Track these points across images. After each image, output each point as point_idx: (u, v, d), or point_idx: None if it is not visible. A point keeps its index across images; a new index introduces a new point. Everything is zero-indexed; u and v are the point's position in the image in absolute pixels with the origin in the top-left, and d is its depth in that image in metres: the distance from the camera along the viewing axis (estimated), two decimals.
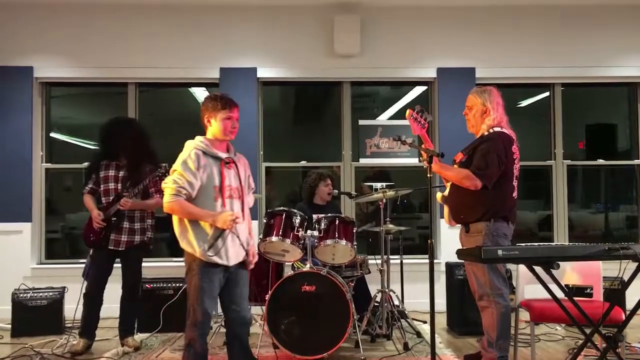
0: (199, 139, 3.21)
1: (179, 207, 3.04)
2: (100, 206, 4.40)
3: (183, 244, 3.12)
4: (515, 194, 3.67)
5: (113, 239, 4.35)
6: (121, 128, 4.43)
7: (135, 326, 4.64)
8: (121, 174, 4.39)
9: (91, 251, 4.43)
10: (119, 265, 4.48)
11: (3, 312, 5.24)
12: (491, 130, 3.66)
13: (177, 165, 3.08)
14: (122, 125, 4.48)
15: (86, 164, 4.84)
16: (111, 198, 4.37)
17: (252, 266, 3.32)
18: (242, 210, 3.21)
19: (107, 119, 4.59)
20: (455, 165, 3.77)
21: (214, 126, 3.21)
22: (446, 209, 3.91)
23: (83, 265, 4.51)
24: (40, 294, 5.08)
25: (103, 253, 4.37)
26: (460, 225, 3.79)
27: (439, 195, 3.97)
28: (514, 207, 3.67)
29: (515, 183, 3.66)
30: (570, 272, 3.79)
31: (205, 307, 3.09)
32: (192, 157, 3.07)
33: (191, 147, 3.15)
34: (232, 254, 3.15)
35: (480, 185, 3.52)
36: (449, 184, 3.84)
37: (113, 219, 4.34)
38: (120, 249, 4.37)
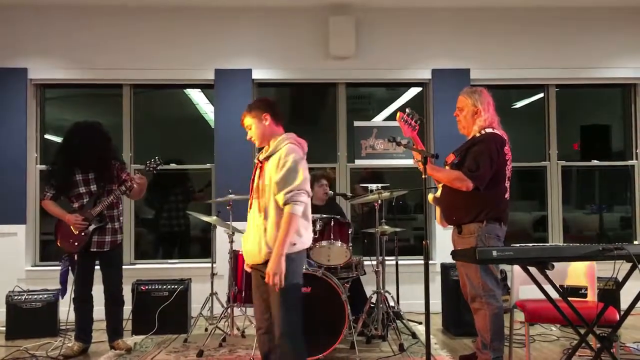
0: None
1: None
2: (74, 210, 4.36)
3: None
4: (507, 195, 3.67)
5: (96, 240, 4.33)
6: (88, 136, 4.33)
7: (123, 327, 4.61)
8: (90, 176, 4.36)
9: (67, 256, 4.40)
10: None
11: None
12: (483, 132, 3.66)
13: None
14: (88, 132, 4.36)
15: (46, 167, 4.75)
16: (85, 201, 4.35)
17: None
18: (259, 208, 3.04)
19: (71, 124, 4.47)
20: (447, 167, 3.77)
21: None
22: (438, 210, 3.92)
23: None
24: (35, 296, 5.06)
25: (86, 256, 4.34)
26: (452, 226, 3.79)
27: (430, 196, 3.96)
28: (507, 208, 3.68)
29: (507, 184, 3.66)
30: (569, 273, 3.80)
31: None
32: None
33: None
34: (247, 257, 3.17)
35: (471, 187, 3.52)
36: (440, 185, 3.84)
37: (97, 219, 4.31)
38: (105, 249, 4.36)
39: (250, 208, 3.11)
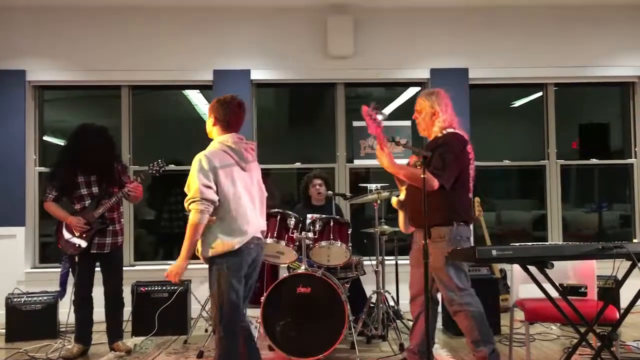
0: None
1: None
2: (75, 211, 4.36)
3: None
4: (471, 195, 3.68)
5: (97, 242, 4.33)
6: (93, 139, 4.34)
7: (123, 329, 4.61)
8: (92, 178, 4.37)
9: (67, 258, 4.41)
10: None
11: None
12: (445, 132, 3.64)
13: None
14: (93, 136, 4.37)
15: (48, 168, 4.75)
16: (86, 203, 4.35)
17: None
18: None
19: (76, 127, 4.47)
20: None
21: None
22: (401, 215, 3.83)
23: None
24: (35, 298, 5.05)
25: (86, 258, 4.35)
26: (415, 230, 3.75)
27: (394, 200, 3.88)
28: (470, 208, 3.69)
29: (471, 184, 3.65)
30: (569, 272, 3.79)
31: None
32: None
33: None
34: None
35: (437, 186, 3.46)
36: (404, 188, 3.76)
37: (99, 222, 4.32)
38: (105, 251, 4.36)
39: None
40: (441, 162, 3.50)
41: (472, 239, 3.67)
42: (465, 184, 3.60)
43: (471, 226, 3.65)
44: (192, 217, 3.08)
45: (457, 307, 3.53)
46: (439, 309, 5.16)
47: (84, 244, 4.30)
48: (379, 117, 3.58)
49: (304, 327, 4.02)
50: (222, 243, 3.12)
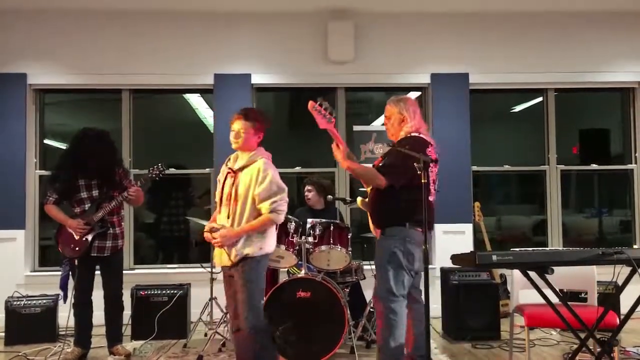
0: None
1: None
2: (75, 215, 4.37)
3: None
4: (432, 198, 3.64)
5: (97, 245, 4.33)
6: (96, 144, 4.35)
7: (123, 333, 4.60)
8: (93, 182, 4.37)
9: (68, 261, 4.41)
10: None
11: None
12: (408, 136, 3.66)
13: None
14: (96, 140, 4.38)
15: (50, 171, 4.76)
16: (87, 206, 4.36)
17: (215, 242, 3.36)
18: (232, 216, 3.36)
19: (78, 131, 4.48)
20: None
21: None
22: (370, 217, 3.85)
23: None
24: (34, 302, 5.05)
25: (86, 261, 4.35)
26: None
27: (359, 200, 3.92)
28: (427, 211, 3.47)
29: (432, 187, 3.63)
30: (569, 278, 3.78)
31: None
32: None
33: None
34: (217, 258, 3.47)
35: (384, 183, 3.49)
36: (369, 189, 3.78)
37: (99, 225, 4.32)
38: (105, 255, 4.36)
39: (219, 213, 3.47)
40: (390, 161, 3.57)
41: (427, 243, 3.60)
42: (421, 187, 3.53)
43: (430, 232, 3.56)
44: (275, 216, 3.32)
45: (382, 308, 3.53)
46: (439, 313, 5.21)
47: (76, 254, 4.30)
48: (333, 113, 3.65)
49: (304, 332, 4.02)
50: (269, 245, 3.40)
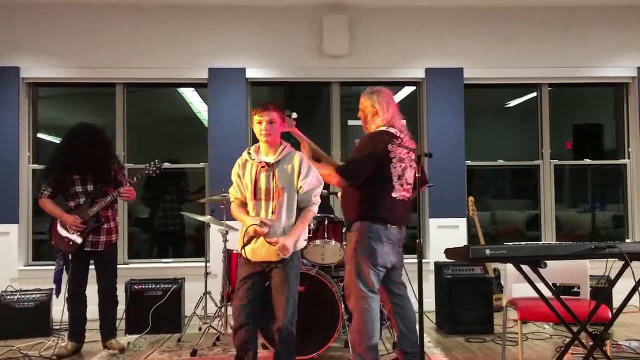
0: (248, 148, 3.45)
1: (233, 212, 3.40)
2: (70, 209, 4.36)
3: None
4: (396, 194, 3.57)
5: (90, 240, 4.33)
6: (90, 141, 4.34)
7: (117, 327, 4.60)
8: (88, 176, 4.36)
9: (62, 255, 4.40)
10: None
11: None
12: (373, 131, 3.66)
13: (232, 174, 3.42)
14: (91, 137, 4.36)
15: (44, 165, 4.73)
16: (81, 200, 4.35)
17: (281, 255, 3.21)
18: (276, 210, 3.24)
19: (73, 125, 4.46)
20: None
21: (255, 132, 3.37)
22: None
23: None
24: (28, 296, 5.04)
25: (80, 255, 4.34)
26: None
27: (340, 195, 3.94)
28: (394, 207, 3.56)
29: (396, 183, 3.57)
30: (562, 272, 3.80)
31: (236, 311, 3.26)
32: (235, 167, 3.39)
33: (240, 157, 3.41)
34: (258, 252, 3.25)
35: (335, 182, 3.56)
36: None
37: (94, 220, 4.32)
38: (99, 249, 4.35)
39: (253, 209, 3.28)
40: (348, 159, 3.61)
41: (393, 239, 3.58)
42: (382, 182, 3.55)
43: (392, 227, 3.55)
44: (315, 209, 3.34)
45: (352, 305, 3.57)
46: (433, 307, 5.23)
47: (78, 240, 4.29)
48: (292, 115, 3.74)
49: (298, 326, 4.01)
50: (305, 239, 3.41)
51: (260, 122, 3.29)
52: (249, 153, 3.36)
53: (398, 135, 3.60)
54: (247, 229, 3.21)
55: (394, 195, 3.56)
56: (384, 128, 3.63)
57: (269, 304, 3.28)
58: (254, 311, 3.24)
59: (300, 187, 3.28)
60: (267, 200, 3.25)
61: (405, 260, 5.31)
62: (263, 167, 3.27)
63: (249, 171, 3.31)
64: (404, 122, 3.78)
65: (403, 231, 3.67)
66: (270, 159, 3.30)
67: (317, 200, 3.33)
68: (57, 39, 6.00)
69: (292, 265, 3.27)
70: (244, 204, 3.36)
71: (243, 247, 3.26)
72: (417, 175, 3.27)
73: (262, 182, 3.27)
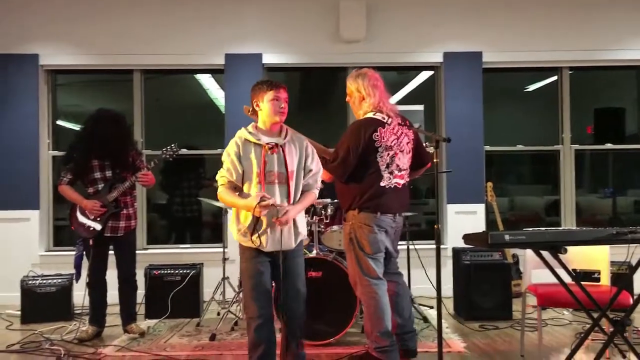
0: (245, 127, 3.18)
1: (223, 196, 3.10)
2: (88, 195, 4.39)
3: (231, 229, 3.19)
4: (384, 183, 3.51)
5: (110, 226, 4.36)
6: (111, 127, 4.35)
7: (137, 311, 4.65)
8: (107, 162, 4.38)
9: (82, 241, 4.45)
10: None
11: (12, 299, 5.28)
12: (358, 119, 3.61)
13: (223, 155, 3.14)
14: (111, 123, 4.38)
15: (64, 152, 4.78)
16: (100, 186, 4.38)
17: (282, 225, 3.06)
18: (289, 195, 3.09)
19: (93, 111, 4.48)
20: None
21: (263, 110, 3.12)
22: None
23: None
24: (49, 281, 5.11)
25: (100, 241, 4.37)
26: None
27: None
28: (383, 195, 3.49)
29: (385, 172, 3.51)
30: (582, 257, 3.76)
31: (256, 300, 3.06)
32: (232, 147, 3.10)
33: (235, 136, 3.15)
34: (271, 239, 3.07)
35: (327, 179, 3.56)
36: None
37: (113, 205, 4.35)
38: (118, 235, 4.39)
39: (262, 191, 3.01)
40: (334, 154, 3.55)
41: (387, 227, 3.53)
42: (371, 172, 3.49)
43: (382, 215, 3.49)
44: (317, 192, 3.30)
45: (358, 293, 3.59)
46: (451, 293, 5.22)
47: (98, 226, 4.34)
48: None
49: (316, 311, 4.03)
50: None
51: (277, 99, 3.10)
52: (250, 133, 3.13)
53: (385, 121, 3.54)
54: (253, 210, 2.93)
55: (382, 184, 3.51)
56: (371, 114, 3.56)
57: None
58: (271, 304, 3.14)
59: (310, 169, 3.19)
60: (280, 184, 3.07)
61: (423, 246, 5.31)
62: (271, 148, 3.07)
63: (253, 152, 3.07)
64: (393, 104, 3.70)
65: (398, 219, 3.62)
66: (277, 140, 3.12)
67: (320, 184, 3.27)
68: (76, 26, 6.03)
69: (301, 254, 3.26)
70: (234, 188, 3.09)
71: (253, 234, 3.02)
72: (436, 160, 3.24)
73: (274, 164, 3.07)
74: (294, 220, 3.12)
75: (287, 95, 3.17)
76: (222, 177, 3.10)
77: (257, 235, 3.03)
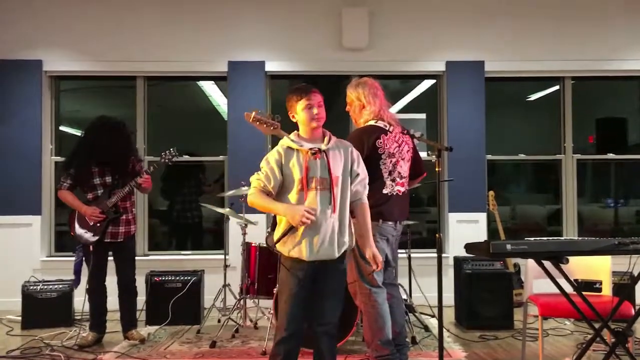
0: (287, 136, 3.05)
1: (256, 200, 2.90)
2: (88, 201, 4.41)
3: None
4: (387, 190, 3.50)
5: (110, 231, 4.37)
6: (112, 135, 4.37)
7: (137, 318, 4.64)
8: (106, 168, 4.40)
9: (81, 247, 4.46)
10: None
11: (13, 304, 5.28)
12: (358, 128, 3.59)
13: (262, 161, 2.99)
14: (113, 131, 4.39)
15: (64, 157, 4.79)
16: (99, 192, 4.39)
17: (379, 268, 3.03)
18: (334, 202, 2.89)
19: (95, 118, 4.49)
20: None
21: (300, 120, 3.00)
22: None
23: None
24: (50, 287, 5.11)
25: (100, 247, 4.38)
26: None
27: None
28: (386, 203, 3.48)
29: (387, 179, 3.51)
30: (584, 267, 3.75)
31: (288, 312, 2.89)
32: (273, 154, 2.95)
33: (278, 145, 3.00)
34: (310, 248, 2.86)
35: None
36: None
37: (113, 211, 4.36)
38: (118, 240, 4.40)
39: (305, 199, 2.86)
40: None
41: (390, 234, 3.52)
42: (374, 181, 3.41)
43: (385, 223, 3.46)
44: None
45: (358, 303, 3.54)
46: (452, 302, 5.21)
47: (93, 238, 4.34)
48: (276, 118, 3.53)
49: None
50: None
51: (310, 107, 2.94)
52: (292, 140, 2.96)
53: (387, 128, 3.55)
54: (298, 217, 2.74)
55: (384, 191, 3.50)
56: (372, 122, 3.57)
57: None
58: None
59: (358, 174, 3.00)
60: (322, 190, 2.87)
61: (424, 255, 5.30)
62: (314, 153, 2.90)
63: (296, 159, 2.90)
64: (393, 112, 3.70)
65: (399, 227, 3.62)
66: (320, 145, 2.94)
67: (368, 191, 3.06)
68: (79, 33, 6.06)
69: (345, 264, 3.01)
70: (267, 194, 2.90)
71: (280, 240, 2.87)
72: (438, 169, 3.24)
73: (317, 170, 2.88)
74: (339, 226, 2.91)
75: (320, 98, 3.00)
76: (258, 180, 2.90)
77: (292, 244, 2.88)
